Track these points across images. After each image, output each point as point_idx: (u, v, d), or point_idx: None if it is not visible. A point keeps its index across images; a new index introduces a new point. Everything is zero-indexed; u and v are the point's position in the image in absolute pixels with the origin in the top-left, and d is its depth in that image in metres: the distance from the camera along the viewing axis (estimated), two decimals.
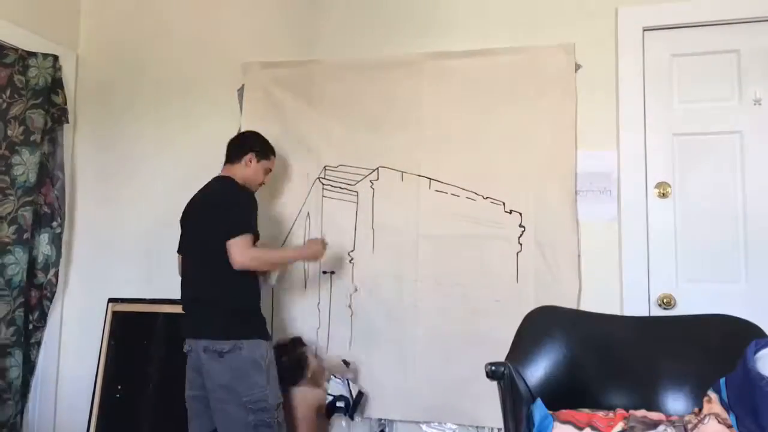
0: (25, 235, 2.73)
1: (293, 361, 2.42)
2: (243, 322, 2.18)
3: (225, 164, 2.41)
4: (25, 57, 2.75)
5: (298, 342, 2.51)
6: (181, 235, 2.40)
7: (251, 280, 2.24)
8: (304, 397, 2.40)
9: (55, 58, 2.85)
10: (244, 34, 2.90)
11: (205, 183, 2.37)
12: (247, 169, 2.38)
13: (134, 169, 2.98)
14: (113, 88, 3.04)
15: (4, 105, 2.68)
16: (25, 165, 2.73)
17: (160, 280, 2.84)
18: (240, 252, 2.13)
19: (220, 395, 2.13)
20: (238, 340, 2.12)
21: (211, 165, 2.84)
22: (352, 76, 2.73)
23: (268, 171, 2.45)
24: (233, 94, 2.86)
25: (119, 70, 3.05)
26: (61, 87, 2.89)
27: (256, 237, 2.22)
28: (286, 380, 2.34)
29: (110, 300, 2.87)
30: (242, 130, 2.81)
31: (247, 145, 2.41)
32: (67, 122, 2.92)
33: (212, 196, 2.29)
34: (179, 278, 2.36)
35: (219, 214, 2.19)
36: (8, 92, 2.69)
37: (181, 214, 2.39)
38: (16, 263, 2.70)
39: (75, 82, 3.05)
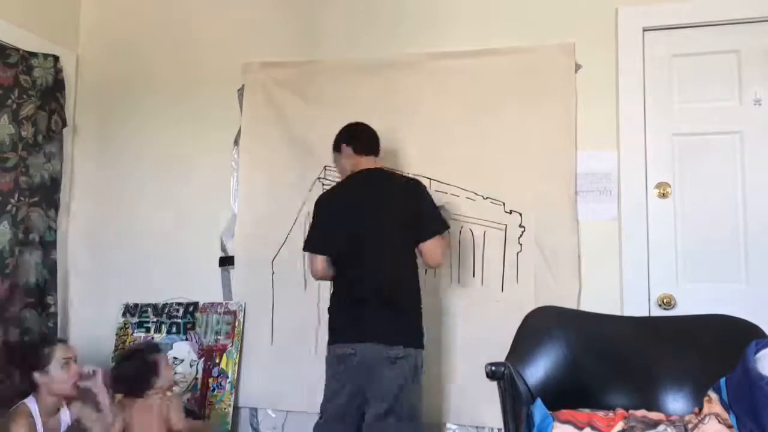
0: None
1: (142, 368, 2.27)
2: (416, 328, 2.16)
3: (367, 155, 2.29)
4: (27, 57, 2.75)
5: (153, 348, 2.39)
6: (337, 232, 2.20)
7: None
8: (149, 407, 2.25)
9: (56, 58, 2.85)
10: (244, 35, 2.90)
11: (352, 176, 2.27)
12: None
13: (134, 169, 2.98)
14: (113, 89, 3.04)
15: (15, 105, 2.67)
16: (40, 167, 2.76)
17: (161, 282, 2.84)
18: (441, 253, 2.15)
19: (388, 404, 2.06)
20: (411, 348, 2.10)
21: (211, 164, 2.88)
22: (352, 76, 2.73)
23: None
24: (233, 94, 2.87)
25: (119, 70, 3.04)
26: (63, 88, 2.89)
27: None
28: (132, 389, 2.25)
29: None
30: (241, 129, 2.83)
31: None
32: (65, 125, 2.91)
33: (399, 191, 2.20)
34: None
35: (412, 212, 2.15)
36: (16, 92, 2.68)
37: (330, 209, 2.26)
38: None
39: (75, 83, 3.05)
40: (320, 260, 2.24)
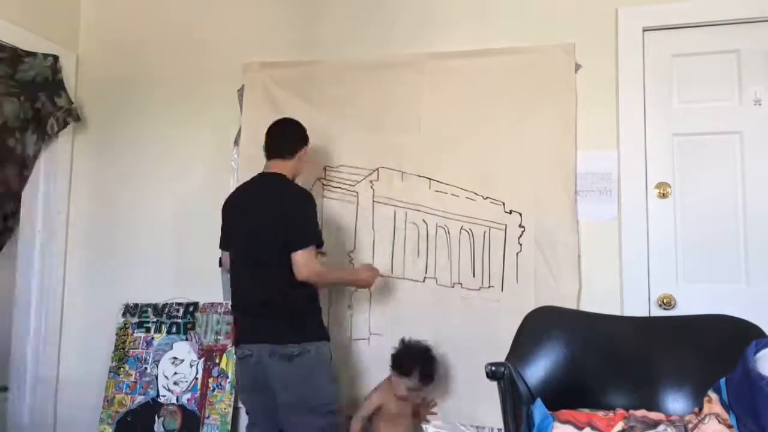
0: None
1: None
2: (310, 324, 2.19)
3: (272, 159, 2.30)
4: (22, 56, 2.74)
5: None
6: (230, 233, 2.34)
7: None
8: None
9: (56, 58, 2.85)
10: (245, 34, 2.90)
11: (252, 178, 2.32)
12: (300, 164, 2.32)
13: (134, 169, 2.98)
14: (113, 88, 3.04)
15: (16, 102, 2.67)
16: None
17: (161, 282, 2.84)
18: (306, 265, 2.11)
19: (287, 400, 2.14)
20: (307, 343, 2.13)
21: (211, 165, 2.88)
22: (352, 77, 2.73)
23: None
24: (233, 94, 2.86)
25: (119, 70, 3.04)
26: (64, 87, 2.89)
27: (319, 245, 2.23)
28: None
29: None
30: (241, 129, 2.82)
31: (301, 135, 2.32)
32: (78, 120, 2.91)
33: (274, 198, 2.20)
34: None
35: (284, 222, 2.14)
36: (21, 95, 2.68)
37: (225, 208, 2.35)
38: None
39: (75, 83, 3.05)
40: (225, 255, 2.39)
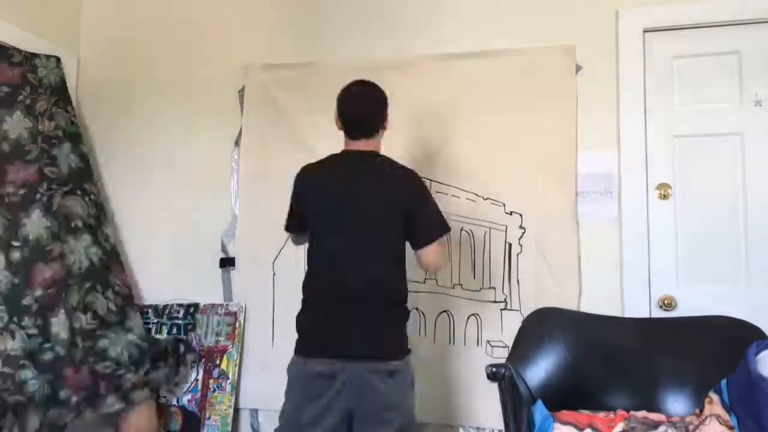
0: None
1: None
2: (404, 333, 1.95)
3: (359, 138, 2.01)
4: (30, 57, 2.75)
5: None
6: (318, 215, 2.00)
7: None
8: None
9: (58, 59, 2.85)
10: (245, 36, 2.90)
11: (335, 156, 2.04)
12: (380, 146, 2.03)
13: (135, 170, 2.98)
14: (114, 90, 3.04)
15: (28, 101, 2.67)
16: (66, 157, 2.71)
17: (162, 284, 2.85)
18: (437, 259, 1.93)
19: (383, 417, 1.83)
20: (407, 356, 1.90)
21: (212, 165, 2.88)
22: (353, 77, 2.71)
23: None
24: (234, 95, 2.87)
25: (120, 71, 3.05)
26: (66, 90, 2.88)
27: None
28: None
29: None
30: (242, 130, 2.82)
31: (385, 110, 2.01)
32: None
33: (383, 179, 1.95)
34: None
35: (408, 208, 1.90)
36: (28, 89, 2.68)
37: (307, 187, 2.07)
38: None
39: (76, 84, 3.05)
40: (293, 238, 2.19)
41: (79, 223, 2.65)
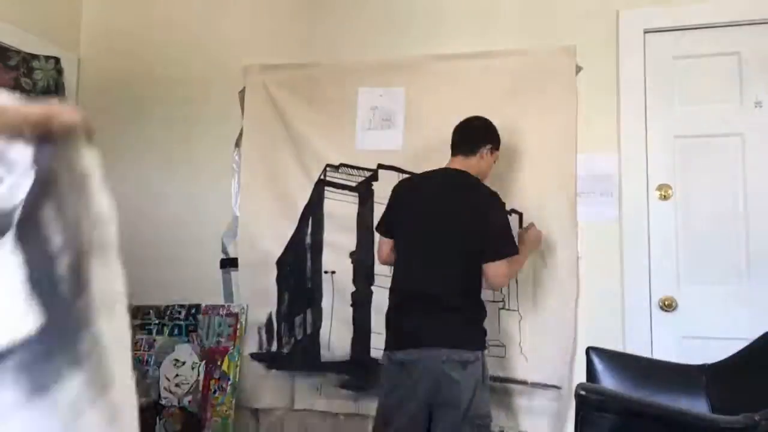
0: None
1: None
2: (482, 331, 2.09)
3: (455, 155, 2.20)
4: (28, 59, 2.75)
5: None
6: (403, 222, 2.19)
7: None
8: None
9: (57, 60, 2.85)
10: (245, 37, 2.90)
11: (430, 172, 2.21)
12: (482, 164, 2.18)
13: (135, 171, 2.98)
14: (114, 91, 3.04)
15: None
16: None
17: (163, 285, 2.85)
18: (503, 277, 2.06)
19: (455, 410, 1.96)
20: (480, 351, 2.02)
21: (212, 166, 2.88)
22: (353, 78, 2.73)
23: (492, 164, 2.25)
24: (234, 96, 2.87)
25: (120, 72, 3.04)
26: (63, 91, 2.89)
27: None
28: None
29: None
30: (243, 131, 2.82)
31: (486, 133, 2.21)
32: None
33: (467, 196, 2.10)
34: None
35: (481, 226, 2.04)
36: (20, 95, 2.68)
37: (399, 196, 2.24)
38: None
39: (76, 85, 3.05)
40: (386, 244, 2.26)
41: None
